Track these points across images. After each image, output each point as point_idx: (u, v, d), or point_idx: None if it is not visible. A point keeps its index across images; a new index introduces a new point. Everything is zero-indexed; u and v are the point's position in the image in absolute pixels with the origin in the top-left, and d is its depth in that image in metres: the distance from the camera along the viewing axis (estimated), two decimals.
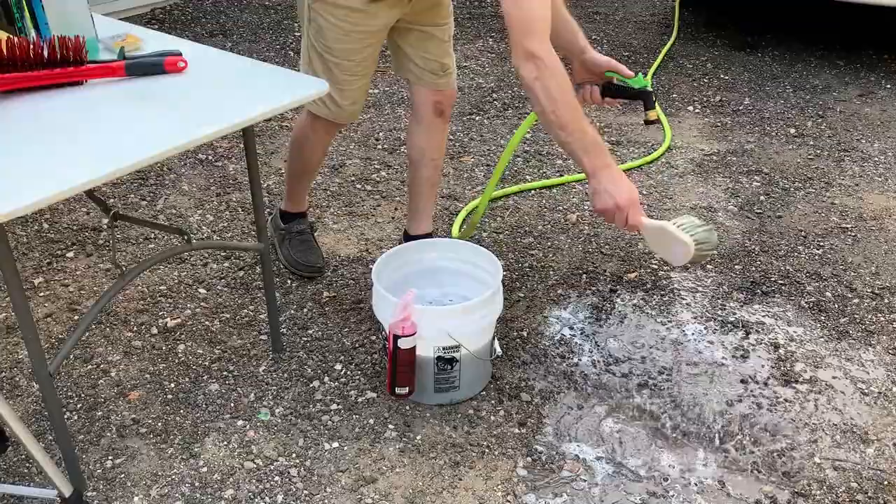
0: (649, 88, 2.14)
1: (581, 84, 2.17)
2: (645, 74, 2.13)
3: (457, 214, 2.96)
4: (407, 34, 2.27)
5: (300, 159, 2.51)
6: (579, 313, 2.50)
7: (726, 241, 2.86)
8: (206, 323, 2.44)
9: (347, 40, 2.13)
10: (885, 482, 1.92)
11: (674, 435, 2.06)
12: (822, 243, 2.84)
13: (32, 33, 1.89)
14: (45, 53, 1.75)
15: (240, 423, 2.08)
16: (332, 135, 2.46)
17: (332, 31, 2.12)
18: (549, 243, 2.84)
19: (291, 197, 2.63)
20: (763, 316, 2.49)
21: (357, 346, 2.35)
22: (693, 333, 2.41)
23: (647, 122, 2.18)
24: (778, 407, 2.14)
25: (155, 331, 2.41)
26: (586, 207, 3.05)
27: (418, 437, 2.04)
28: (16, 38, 1.75)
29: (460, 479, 1.92)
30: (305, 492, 1.89)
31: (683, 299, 2.56)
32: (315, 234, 2.72)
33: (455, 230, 2.84)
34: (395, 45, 2.32)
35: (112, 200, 3.05)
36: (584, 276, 2.67)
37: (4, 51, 1.71)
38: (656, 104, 2.18)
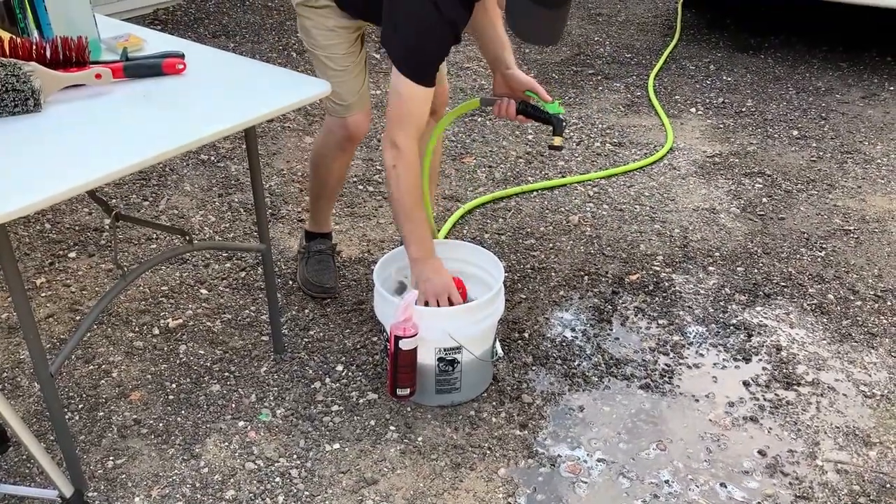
0: (562, 116, 2.20)
1: (500, 96, 2.25)
2: (555, 100, 2.22)
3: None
4: None
5: (316, 179, 2.51)
6: (581, 315, 2.50)
7: (728, 243, 2.86)
8: (208, 324, 2.44)
9: (333, 35, 2.20)
10: (888, 485, 1.92)
11: (676, 437, 2.05)
12: (824, 245, 2.84)
13: (35, 34, 1.89)
14: (48, 54, 1.75)
15: (241, 423, 2.08)
16: (346, 152, 2.42)
17: (317, 30, 2.21)
18: (550, 245, 2.84)
19: (314, 216, 2.62)
20: (765, 318, 2.48)
21: (358, 347, 2.35)
22: (695, 336, 2.41)
23: (551, 148, 2.23)
24: (780, 409, 2.14)
25: (156, 331, 2.41)
26: (588, 209, 3.05)
27: (419, 439, 2.04)
28: (18, 39, 1.75)
29: (461, 481, 1.92)
30: (306, 493, 1.89)
31: (685, 301, 2.55)
32: (336, 255, 2.69)
33: (443, 231, 2.82)
34: None
35: (114, 201, 3.06)
36: (586, 277, 2.67)
37: (7, 51, 1.72)
38: (564, 132, 2.22)
